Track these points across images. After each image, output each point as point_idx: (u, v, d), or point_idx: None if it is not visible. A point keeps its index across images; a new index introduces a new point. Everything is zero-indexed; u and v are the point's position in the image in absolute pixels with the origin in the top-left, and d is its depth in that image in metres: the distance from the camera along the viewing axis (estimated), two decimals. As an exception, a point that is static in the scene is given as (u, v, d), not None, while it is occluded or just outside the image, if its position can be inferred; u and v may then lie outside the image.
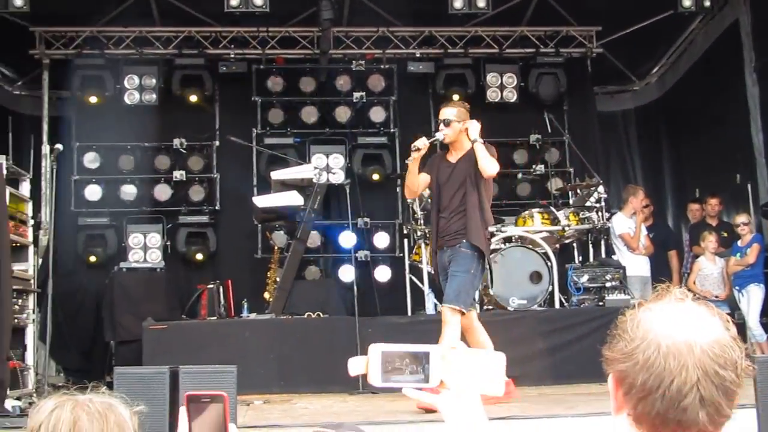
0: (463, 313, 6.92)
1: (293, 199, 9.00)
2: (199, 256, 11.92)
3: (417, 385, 1.73)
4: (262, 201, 9.39)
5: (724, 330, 1.51)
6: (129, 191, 12.01)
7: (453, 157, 7.23)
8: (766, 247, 10.08)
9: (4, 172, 7.75)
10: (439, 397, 1.73)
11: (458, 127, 7.10)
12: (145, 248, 11.60)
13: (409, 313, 10.36)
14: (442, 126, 7.13)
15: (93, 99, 12.01)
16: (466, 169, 7.07)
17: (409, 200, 7.75)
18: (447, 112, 7.18)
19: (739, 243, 10.03)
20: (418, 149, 6.96)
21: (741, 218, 10.14)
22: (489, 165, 6.96)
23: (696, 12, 11.06)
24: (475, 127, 7.04)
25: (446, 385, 1.73)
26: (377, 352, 1.73)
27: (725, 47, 12.19)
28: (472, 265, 6.97)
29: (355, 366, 1.76)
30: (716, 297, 9.85)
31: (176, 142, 12.17)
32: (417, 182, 7.27)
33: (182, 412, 1.76)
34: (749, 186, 11.50)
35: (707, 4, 10.80)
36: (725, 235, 10.60)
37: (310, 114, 12.41)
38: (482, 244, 7.01)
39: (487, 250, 7.25)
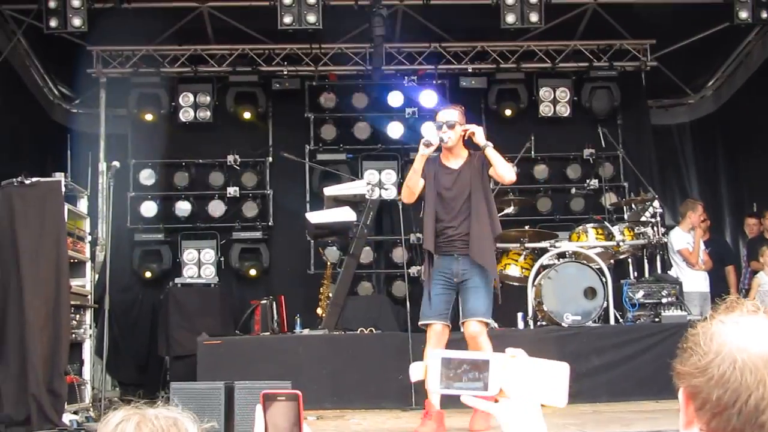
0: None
1: (346, 214, 9.03)
2: (253, 272, 12.00)
3: (476, 393, 1.72)
4: (315, 217, 9.43)
5: None
6: (183, 207, 12.15)
7: (453, 163, 6.89)
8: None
9: (63, 189, 7.90)
10: (498, 405, 1.71)
11: (459, 131, 6.80)
12: (200, 264, 11.74)
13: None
14: (445, 128, 6.75)
15: (149, 116, 12.20)
16: (471, 175, 6.78)
17: (406, 203, 7.18)
18: (450, 114, 6.84)
19: (797, 257, 9.85)
20: (431, 145, 6.64)
21: (801, 232, 9.96)
22: (508, 171, 6.74)
23: (752, 24, 10.87)
24: (481, 131, 6.75)
25: (505, 394, 1.70)
26: (437, 358, 1.72)
27: (783, 59, 12.00)
28: (489, 279, 6.83)
29: (416, 371, 1.76)
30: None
31: (230, 158, 12.29)
32: (419, 184, 6.88)
33: (258, 410, 1.77)
34: (811, 199, 11.29)
35: (764, 15, 10.62)
36: (786, 250, 10.40)
37: (362, 130, 12.45)
38: (493, 261, 6.87)
39: (495, 261, 7.08)
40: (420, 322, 6.95)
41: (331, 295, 9.49)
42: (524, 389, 1.69)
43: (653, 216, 9.96)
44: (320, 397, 8.36)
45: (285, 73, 12.54)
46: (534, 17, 10.60)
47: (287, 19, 10.41)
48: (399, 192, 11.53)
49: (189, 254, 11.77)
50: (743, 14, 10.62)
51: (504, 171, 6.69)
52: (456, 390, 1.72)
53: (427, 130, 6.66)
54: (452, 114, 6.83)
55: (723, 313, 1.53)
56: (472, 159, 6.86)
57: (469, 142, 6.95)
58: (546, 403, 1.71)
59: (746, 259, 11.32)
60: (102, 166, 11.65)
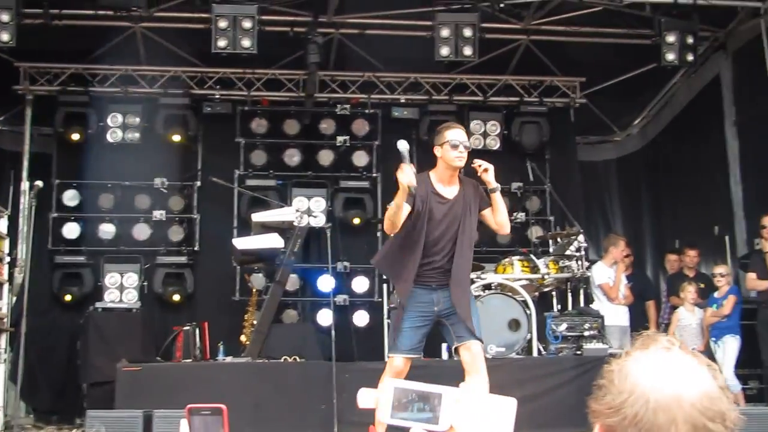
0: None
1: (273, 241, 8.95)
2: (176, 297, 11.81)
3: (426, 426, 1.69)
4: (241, 243, 9.34)
5: (713, 380, 1.48)
6: (108, 230, 11.91)
7: (446, 192, 6.37)
8: (743, 300, 10.10)
9: (-18, 208, 7.70)
10: None
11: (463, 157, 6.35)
12: (122, 288, 11.50)
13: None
14: (462, 149, 6.28)
15: (75, 136, 11.96)
16: (463, 208, 6.36)
17: (388, 233, 6.55)
18: (464, 136, 6.41)
19: (716, 294, 10.05)
20: (413, 194, 6.01)
21: (720, 269, 10.17)
22: (507, 221, 6.55)
23: (679, 66, 11.15)
24: (493, 171, 6.35)
25: (456, 430, 1.68)
26: (390, 387, 1.70)
27: (706, 101, 12.34)
28: (473, 302, 6.62)
29: (365, 399, 1.73)
30: (694, 348, 9.86)
31: (157, 181, 12.11)
32: (404, 216, 6.16)
33: (183, 424, 1.73)
34: (727, 238, 11.58)
35: (690, 58, 10.90)
36: (702, 286, 10.61)
37: (292, 156, 12.41)
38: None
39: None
40: (389, 353, 6.51)
41: (255, 322, 9.39)
42: (475, 426, 1.68)
43: (578, 250, 10.09)
44: (241, 426, 8.20)
45: (217, 96, 12.46)
46: (468, 51, 10.70)
47: (221, 43, 10.36)
48: (327, 219, 11.55)
49: (111, 278, 11.53)
50: (670, 56, 10.88)
51: (505, 221, 6.49)
52: (406, 421, 1.69)
53: (403, 145, 6.02)
54: (465, 136, 6.42)
55: (638, 349, 1.54)
56: (465, 189, 6.45)
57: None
58: None
59: (666, 295, 11.53)
60: (24, 185, 11.38)
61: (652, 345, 1.54)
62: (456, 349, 6.46)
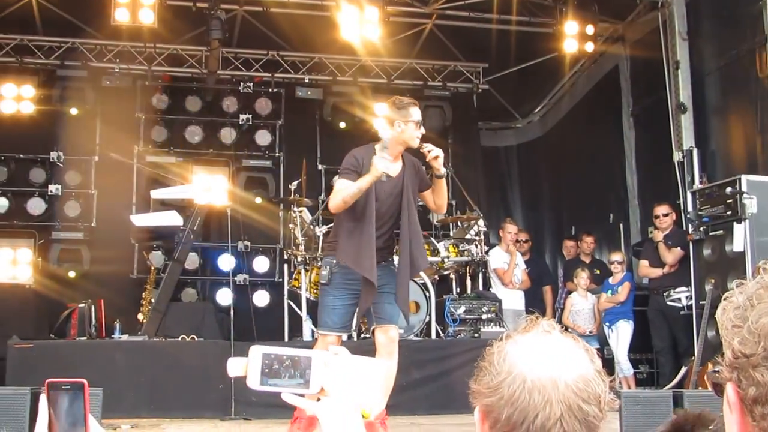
0: None
1: (172, 219, 8.84)
2: (72, 274, 11.55)
3: (297, 390, 1.69)
4: (140, 220, 9.20)
5: (589, 363, 1.52)
6: (1, 203, 11.56)
7: (393, 169, 6.02)
8: (636, 286, 10.41)
9: None
10: (318, 404, 1.69)
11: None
12: (15, 263, 11.18)
13: (286, 339, 10.26)
14: (421, 129, 6.14)
15: (-34, 106, 11.56)
16: (405, 185, 6.21)
17: (333, 213, 6.49)
18: (419, 113, 6.23)
19: (610, 280, 10.33)
20: (389, 177, 5.90)
21: (615, 256, 10.45)
22: (446, 204, 6.57)
23: (578, 55, 11.38)
24: (442, 157, 6.16)
25: (327, 392, 1.69)
26: (258, 353, 1.68)
27: (605, 91, 12.64)
28: None
29: (235, 366, 1.70)
30: (589, 332, 10.12)
31: (53, 155, 11.80)
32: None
33: (42, 400, 1.68)
34: (622, 225, 11.91)
35: (589, 48, 11.15)
36: (598, 272, 10.90)
37: (194, 133, 12.25)
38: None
39: None
40: (321, 331, 6.29)
41: (153, 300, 9.25)
42: (345, 388, 1.68)
43: (477, 234, 10.23)
44: (137, 405, 8.12)
45: (116, 70, 12.17)
46: (372, 34, 10.69)
47: (121, 15, 10.10)
48: (228, 198, 11.42)
49: (4, 253, 11.19)
50: (570, 46, 11.10)
51: (444, 203, 6.45)
52: (276, 387, 1.68)
53: (387, 134, 5.78)
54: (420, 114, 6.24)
55: (520, 333, 1.57)
56: (406, 167, 6.25)
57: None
58: (362, 402, 1.70)
59: (563, 280, 11.79)
60: None
61: (532, 329, 1.57)
62: (373, 330, 6.36)
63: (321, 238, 9.92)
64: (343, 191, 5.98)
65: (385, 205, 6.21)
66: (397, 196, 6.21)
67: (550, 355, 1.50)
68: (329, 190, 11.87)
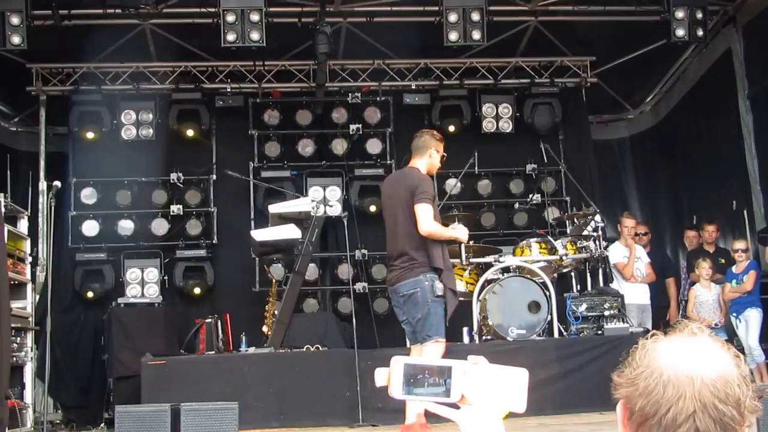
0: None
1: (291, 232, 8.99)
2: (197, 291, 11.90)
3: (438, 399, 1.71)
4: (259, 235, 9.38)
5: (734, 367, 1.52)
6: (126, 226, 12.00)
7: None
8: (763, 274, 10.09)
9: (2, 209, 7.77)
10: (460, 412, 1.73)
11: None
12: (143, 283, 11.59)
13: (408, 345, 10.31)
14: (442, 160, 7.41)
15: (90, 134, 12.04)
16: None
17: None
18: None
19: (733, 269, 10.05)
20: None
21: (739, 244, 10.16)
22: None
23: (689, 41, 11.10)
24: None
25: (467, 401, 1.71)
26: (399, 364, 1.73)
27: (718, 75, 12.27)
28: None
29: (381, 376, 1.76)
30: (715, 324, 9.85)
31: (173, 176, 12.19)
32: None
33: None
34: (745, 212, 11.54)
35: (700, 33, 10.85)
36: (723, 261, 10.61)
37: (306, 146, 12.46)
38: None
39: None
40: (439, 339, 7.01)
41: (276, 312, 9.45)
42: (485, 396, 1.71)
43: (595, 230, 10.09)
44: (267, 416, 8.32)
45: (228, 90, 12.49)
46: (476, 35, 10.69)
47: (230, 37, 10.37)
48: (343, 208, 11.55)
49: (132, 273, 11.62)
50: (680, 32, 10.84)
51: None
52: (418, 396, 1.72)
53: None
54: None
55: (669, 333, 1.59)
56: None
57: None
58: (507, 409, 1.72)
59: (686, 271, 11.51)
60: (42, 185, 11.46)
61: (681, 330, 1.59)
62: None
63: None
64: (440, 229, 7.04)
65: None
66: None
67: (691, 353, 1.52)
68: (442, 194, 11.94)
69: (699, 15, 10.84)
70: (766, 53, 10.74)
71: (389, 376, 1.72)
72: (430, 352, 6.84)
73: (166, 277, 11.83)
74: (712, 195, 12.55)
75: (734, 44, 11.92)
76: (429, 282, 6.90)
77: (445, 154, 7.36)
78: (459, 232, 7.31)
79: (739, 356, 1.55)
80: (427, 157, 7.19)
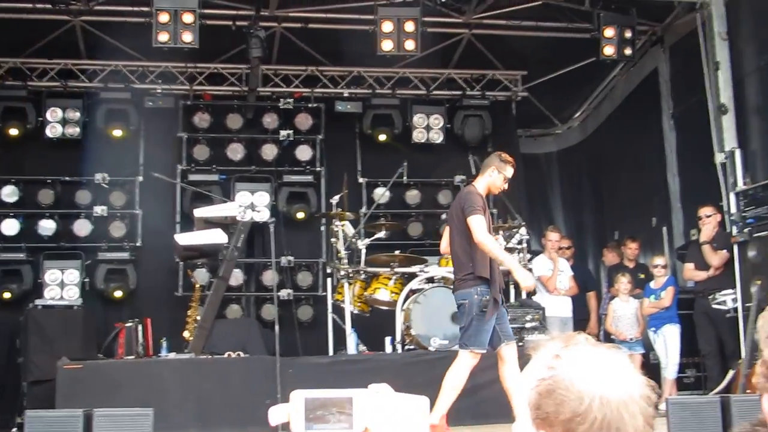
0: None
1: (216, 236, 8.90)
2: (118, 294, 11.70)
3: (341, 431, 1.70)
4: (184, 239, 9.27)
5: (635, 368, 1.60)
6: (47, 226, 11.76)
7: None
8: (680, 290, 10.30)
9: None
10: None
11: None
12: (63, 285, 11.34)
13: (331, 353, 10.31)
14: (507, 185, 7.66)
15: (13, 131, 11.79)
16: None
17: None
18: (511, 173, 7.64)
19: (652, 285, 10.24)
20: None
21: (658, 260, 10.36)
22: None
23: (617, 60, 11.29)
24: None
25: (371, 431, 1.70)
26: (300, 399, 1.70)
27: (645, 94, 12.54)
28: None
29: (277, 415, 1.71)
30: (630, 338, 10.01)
31: (98, 176, 11.96)
32: None
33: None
34: (665, 229, 11.80)
35: (628, 52, 11.05)
36: (642, 276, 10.81)
37: (236, 151, 12.37)
38: None
39: None
40: (478, 350, 7.41)
41: (198, 318, 9.35)
42: (388, 426, 1.69)
43: (519, 243, 10.20)
44: (185, 423, 8.21)
45: (159, 90, 12.34)
46: (410, 45, 10.71)
47: (162, 37, 10.22)
48: (271, 214, 11.49)
49: (51, 274, 11.36)
50: (609, 50, 11.02)
51: None
52: (321, 431, 1.69)
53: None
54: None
55: (565, 350, 1.59)
56: None
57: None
58: None
59: (607, 286, 11.70)
60: (-38, 182, 11.18)
61: (572, 344, 1.59)
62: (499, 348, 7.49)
63: (363, 251, 9.97)
64: (494, 246, 7.42)
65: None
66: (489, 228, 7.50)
67: (617, 371, 1.57)
68: (370, 202, 11.97)
69: (628, 34, 11.04)
70: (691, 74, 10.99)
71: (289, 413, 1.69)
72: (460, 359, 7.47)
73: (87, 279, 11.61)
74: (634, 211, 12.81)
75: (661, 64, 12.20)
76: (479, 296, 7.28)
77: (508, 178, 7.57)
78: (521, 273, 7.56)
79: (636, 357, 1.61)
80: (488, 176, 7.53)
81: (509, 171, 7.53)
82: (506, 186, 7.59)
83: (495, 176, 7.50)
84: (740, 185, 9.77)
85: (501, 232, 10.85)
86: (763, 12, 10.12)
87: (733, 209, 9.41)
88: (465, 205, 7.34)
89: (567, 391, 1.54)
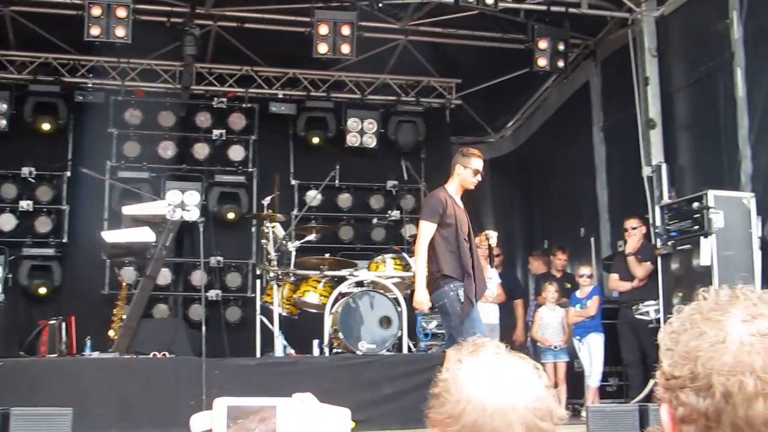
0: None
1: (144, 235, 8.78)
2: (43, 290, 11.50)
3: None
4: (111, 236, 9.13)
5: (540, 381, 1.58)
6: (-29, 220, 11.50)
7: (459, 202, 7.56)
8: (605, 299, 10.48)
9: None
10: None
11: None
12: (-15, 280, 11.11)
13: (258, 355, 10.24)
14: (479, 177, 7.53)
15: (-63, 122, 11.50)
16: (467, 218, 7.63)
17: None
18: (480, 163, 7.53)
19: (577, 294, 10.39)
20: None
21: (584, 270, 10.51)
22: None
23: (550, 71, 11.46)
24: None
25: None
26: (222, 406, 1.68)
27: (576, 106, 12.75)
28: None
29: (199, 423, 1.69)
30: (555, 346, 10.15)
31: (25, 170, 11.75)
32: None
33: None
34: (592, 240, 12.00)
35: (561, 64, 11.23)
36: (568, 286, 10.95)
37: (167, 149, 12.24)
38: None
39: None
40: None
41: (124, 316, 9.21)
42: None
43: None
44: (107, 423, 8.06)
45: (89, 85, 12.16)
46: (345, 49, 10.72)
47: (95, 31, 10.06)
48: (201, 213, 11.39)
49: (-26, 269, 11.13)
50: (542, 62, 11.18)
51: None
52: None
53: None
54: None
55: (468, 356, 1.61)
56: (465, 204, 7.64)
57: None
58: None
59: (534, 294, 11.84)
60: None
61: (481, 351, 1.62)
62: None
63: (293, 253, 9.94)
64: (420, 258, 7.35)
65: (464, 228, 7.43)
66: (467, 226, 7.50)
67: (505, 379, 1.56)
68: (302, 205, 11.96)
69: (561, 47, 11.21)
70: (622, 88, 11.21)
71: (211, 420, 1.67)
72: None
73: (10, 275, 11.36)
74: (563, 221, 13.00)
75: (592, 77, 12.42)
76: (454, 291, 7.26)
77: (476, 169, 7.47)
78: (420, 294, 7.39)
79: (538, 366, 1.61)
80: (456, 175, 7.52)
81: (475, 162, 7.48)
82: (479, 178, 7.53)
83: (463, 173, 7.49)
84: (666, 199, 9.99)
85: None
86: (691, 31, 10.38)
87: (658, 222, 9.61)
88: (422, 209, 7.51)
89: (449, 393, 1.57)
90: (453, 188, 7.55)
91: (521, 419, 1.51)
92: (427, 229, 7.31)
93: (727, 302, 1.41)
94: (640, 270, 9.85)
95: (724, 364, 1.33)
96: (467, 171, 7.47)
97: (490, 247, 8.13)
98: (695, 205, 8.70)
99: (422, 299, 7.34)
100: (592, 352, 10.08)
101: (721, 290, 1.44)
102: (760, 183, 8.95)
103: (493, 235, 8.01)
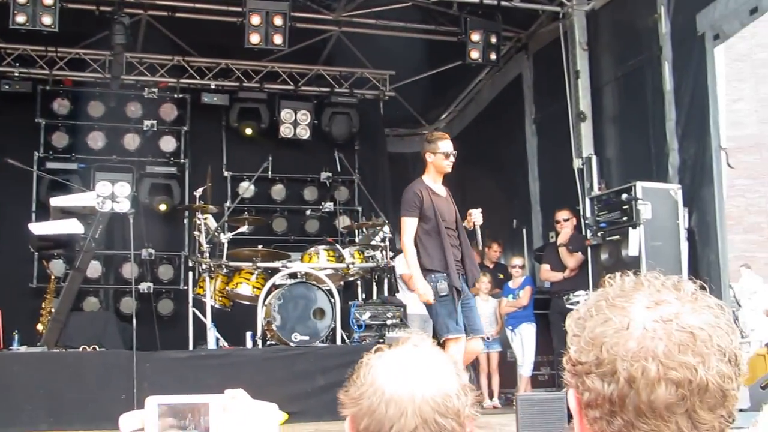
0: None
1: (72, 227, 8.63)
2: (-32, 283, 11.23)
3: None
4: (38, 228, 8.96)
5: (453, 379, 1.58)
6: None
7: (439, 190, 7.34)
8: (537, 290, 10.63)
9: None
10: None
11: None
12: None
13: (191, 348, 10.15)
14: (452, 158, 7.27)
15: None
16: (454, 205, 7.50)
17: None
18: (452, 146, 7.34)
19: (510, 284, 10.52)
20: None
21: (516, 261, 10.66)
22: None
23: (483, 64, 11.55)
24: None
25: None
26: (153, 405, 1.65)
27: (509, 99, 12.88)
28: None
29: (129, 422, 1.66)
30: (488, 337, 10.26)
31: (-53, 161, 11.45)
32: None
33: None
34: (524, 231, 12.14)
35: (493, 57, 11.32)
36: (501, 276, 11.08)
37: (96, 139, 12.05)
38: None
39: None
40: (451, 336, 6.97)
41: (53, 310, 9.05)
42: (244, 431, 1.69)
43: (383, 240, 10.29)
44: (35, 418, 7.93)
45: (16, 74, 11.90)
46: (278, 39, 10.65)
47: (20, 18, 9.84)
48: (131, 205, 11.23)
49: None
50: (474, 54, 11.26)
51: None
52: None
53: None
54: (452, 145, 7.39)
55: (394, 347, 1.63)
56: (448, 190, 7.49)
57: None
58: None
59: (468, 286, 11.93)
60: None
61: (404, 343, 1.64)
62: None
63: (226, 245, 9.86)
64: (409, 253, 7.22)
65: (445, 217, 7.26)
66: (452, 214, 7.38)
67: (411, 370, 1.57)
68: (235, 196, 11.88)
69: (493, 40, 11.30)
70: (553, 81, 11.33)
71: (143, 419, 1.65)
72: (449, 353, 6.92)
73: (-66, 268, 11.11)
74: (496, 213, 13.07)
75: (525, 70, 12.55)
76: (432, 283, 7.12)
77: (446, 152, 7.21)
78: (420, 286, 7.15)
79: (457, 365, 1.62)
80: (429, 164, 7.32)
81: (443, 145, 7.26)
82: (453, 159, 7.28)
83: (434, 159, 7.27)
84: (595, 191, 10.15)
85: (365, 230, 10.96)
86: (620, 25, 10.56)
87: (588, 213, 9.76)
88: (401, 205, 7.36)
89: (358, 378, 1.61)
90: (429, 178, 7.35)
91: (417, 411, 1.52)
92: (409, 224, 7.19)
93: (631, 289, 1.44)
94: (571, 260, 10.01)
95: (627, 350, 1.35)
96: (438, 156, 7.25)
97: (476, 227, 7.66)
98: (624, 196, 8.86)
99: (425, 291, 7.13)
100: (525, 341, 10.22)
101: (626, 277, 1.47)
102: (687, 175, 9.14)
103: (476, 213, 7.59)
